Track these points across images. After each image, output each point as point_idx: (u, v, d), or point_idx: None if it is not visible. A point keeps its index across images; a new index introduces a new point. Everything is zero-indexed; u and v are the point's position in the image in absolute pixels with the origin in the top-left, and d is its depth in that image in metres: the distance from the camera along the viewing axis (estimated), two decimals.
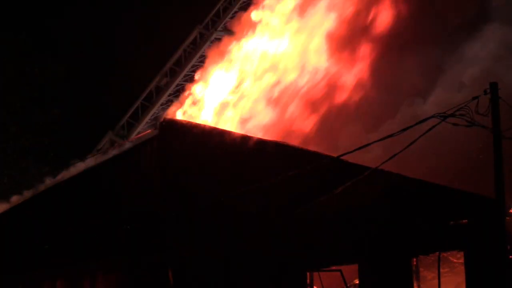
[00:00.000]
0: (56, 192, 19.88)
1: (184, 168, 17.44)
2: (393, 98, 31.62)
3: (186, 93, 32.00)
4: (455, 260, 22.71)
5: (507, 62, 29.51)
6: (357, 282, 19.28)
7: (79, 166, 21.77)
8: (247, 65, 32.09)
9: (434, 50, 31.94)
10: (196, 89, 31.66)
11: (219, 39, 34.64)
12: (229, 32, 34.85)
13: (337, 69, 30.61)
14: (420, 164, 25.57)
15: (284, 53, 31.12)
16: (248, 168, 17.77)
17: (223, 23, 35.11)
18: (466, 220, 17.76)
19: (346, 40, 30.16)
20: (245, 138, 18.54)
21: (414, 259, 19.30)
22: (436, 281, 18.93)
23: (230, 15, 35.14)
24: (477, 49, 30.88)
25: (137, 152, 18.59)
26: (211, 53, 31.86)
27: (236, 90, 31.52)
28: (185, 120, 21.54)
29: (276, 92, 30.67)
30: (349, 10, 29.98)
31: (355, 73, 29.85)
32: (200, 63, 34.94)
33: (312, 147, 20.00)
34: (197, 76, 31.85)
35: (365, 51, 29.80)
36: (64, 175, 21.55)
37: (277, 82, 30.58)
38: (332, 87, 30.17)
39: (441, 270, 18.91)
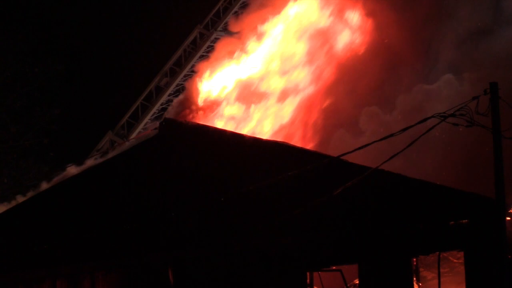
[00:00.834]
0: (56, 192, 19.86)
1: (184, 168, 17.45)
2: None
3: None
4: (455, 260, 22.69)
5: None
6: (357, 282, 19.27)
7: (77, 168, 21.81)
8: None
9: None
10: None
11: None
12: (229, 32, 34.90)
13: None
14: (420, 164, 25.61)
15: None
16: (248, 168, 17.77)
17: (223, 23, 35.09)
18: (466, 220, 17.74)
19: None
20: (245, 138, 18.55)
21: (414, 259, 19.28)
22: (436, 281, 18.92)
23: (230, 15, 35.14)
24: None
25: (137, 152, 18.59)
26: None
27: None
28: (185, 120, 21.60)
29: None
30: None
31: None
32: (200, 63, 34.98)
33: None
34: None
35: None
36: (62, 176, 21.56)
37: None
38: None
39: (441, 270, 18.90)
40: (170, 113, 34.23)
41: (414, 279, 19.61)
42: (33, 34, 36.03)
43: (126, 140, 33.32)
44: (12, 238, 19.52)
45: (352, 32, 32.42)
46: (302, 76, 32.82)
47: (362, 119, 31.32)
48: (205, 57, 34.96)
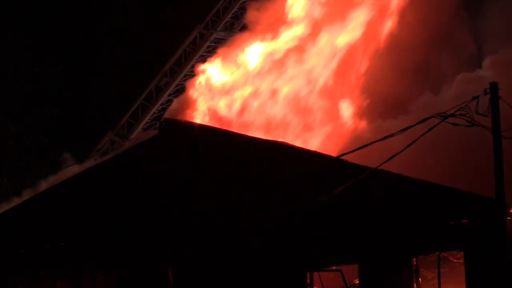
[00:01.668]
0: (56, 192, 19.87)
1: (184, 168, 17.45)
2: None
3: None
4: (455, 260, 22.68)
5: None
6: (357, 282, 19.27)
7: (76, 168, 21.82)
8: None
9: None
10: None
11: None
12: (229, 32, 34.90)
13: None
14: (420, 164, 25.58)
15: None
16: (248, 168, 17.77)
17: (223, 23, 35.09)
18: (466, 220, 17.74)
19: None
20: (246, 138, 18.56)
21: (414, 259, 19.28)
22: (436, 281, 18.91)
23: (230, 15, 35.13)
24: None
25: (137, 153, 18.59)
26: None
27: None
28: (185, 120, 21.61)
29: None
30: None
31: None
32: (200, 62, 34.99)
33: None
34: None
35: None
36: (62, 176, 21.57)
37: None
38: None
39: (441, 270, 18.89)
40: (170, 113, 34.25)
41: (419, 279, 19.61)
42: (33, 34, 36.06)
43: (126, 140, 33.34)
44: (12, 238, 19.53)
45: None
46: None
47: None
48: (205, 56, 34.98)
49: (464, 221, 17.76)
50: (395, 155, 16.00)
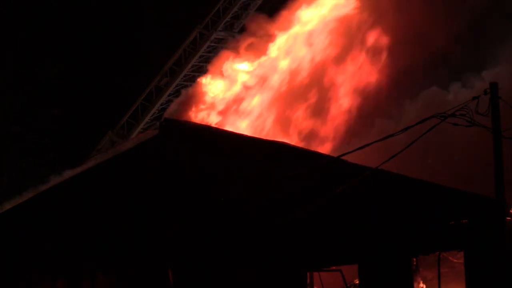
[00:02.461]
0: (56, 192, 19.86)
1: (184, 168, 17.43)
2: None
3: None
4: (455, 260, 22.72)
5: None
6: (357, 282, 19.28)
7: (76, 169, 21.76)
8: None
9: None
10: None
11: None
12: (229, 32, 34.92)
13: None
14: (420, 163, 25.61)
15: None
16: (248, 168, 17.77)
17: (223, 23, 35.11)
18: (466, 220, 17.75)
19: None
20: (245, 138, 18.55)
21: (414, 259, 19.30)
22: (436, 281, 18.92)
23: (230, 15, 35.15)
24: None
25: (137, 153, 18.58)
26: None
27: None
28: (185, 120, 21.59)
29: None
30: None
31: None
32: (200, 63, 35.01)
33: None
34: None
35: None
36: (62, 176, 21.52)
37: None
38: None
39: (441, 270, 18.90)
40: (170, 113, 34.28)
41: (420, 279, 19.63)
42: (33, 34, 36.08)
43: (126, 140, 33.35)
44: (12, 238, 19.53)
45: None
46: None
47: None
48: (205, 57, 35.01)
49: (464, 221, 17.77)
50: (395, 155, 16.01)
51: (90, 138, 35.41)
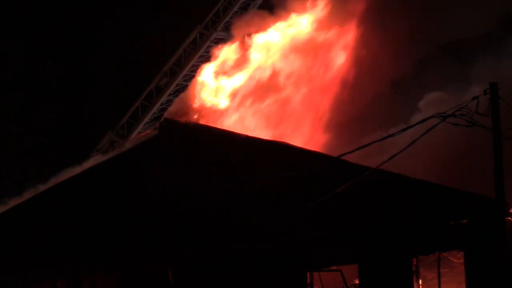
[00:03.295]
0: (56, 192, 19.86)
1: (184, 168, 17.43)
2: None
3: None
4: (455, 260, 22.69)
5: None
6: (357, 282, 19.27)
7: (77, 169, 21.78)
8: None
9: None
10: None
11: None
12: (229, 32, 34.91)
13: None
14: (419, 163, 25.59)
15: None
16: (248, 168, 17.77)
17: (223, 22, 35.09)
18: (466, 220, 17.75)
19: None
20: (245, 138, 18.54)
21: (414, 259, 19.30)
22: (436, 281, 18.92)
23: (230, 15, 35.14)
24: None
25: (137, 152, 18.58)
26: None
27: None
28: (185, 120, 21.53)
29: None
30: None
31: None
32: (200, 63, 35.00)
33: None
34: None
35: None
36: (62, 176, 21.54)
37: None
38: None
39: (441, 270, 18.90)
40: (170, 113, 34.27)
41: (420, 280, 19.62)
42: (33, 34, 36.06)
43: (126, 140, 33.35)
44: (12, 238, 19.53)
45: None
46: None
47: None
48: (205, 56, 34.99)
49: (464, 221, 17.77)
50: (395, 155, 16.01)
51: (90, 138, 35.39)
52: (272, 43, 33.58)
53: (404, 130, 16.35)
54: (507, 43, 30.81)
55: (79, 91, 37.54)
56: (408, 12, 31.23)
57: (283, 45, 33.45)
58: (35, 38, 35.99)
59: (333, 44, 33.02)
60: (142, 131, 33.86)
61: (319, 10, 33.29)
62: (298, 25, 33.52)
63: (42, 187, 23.98)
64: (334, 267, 18.87)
